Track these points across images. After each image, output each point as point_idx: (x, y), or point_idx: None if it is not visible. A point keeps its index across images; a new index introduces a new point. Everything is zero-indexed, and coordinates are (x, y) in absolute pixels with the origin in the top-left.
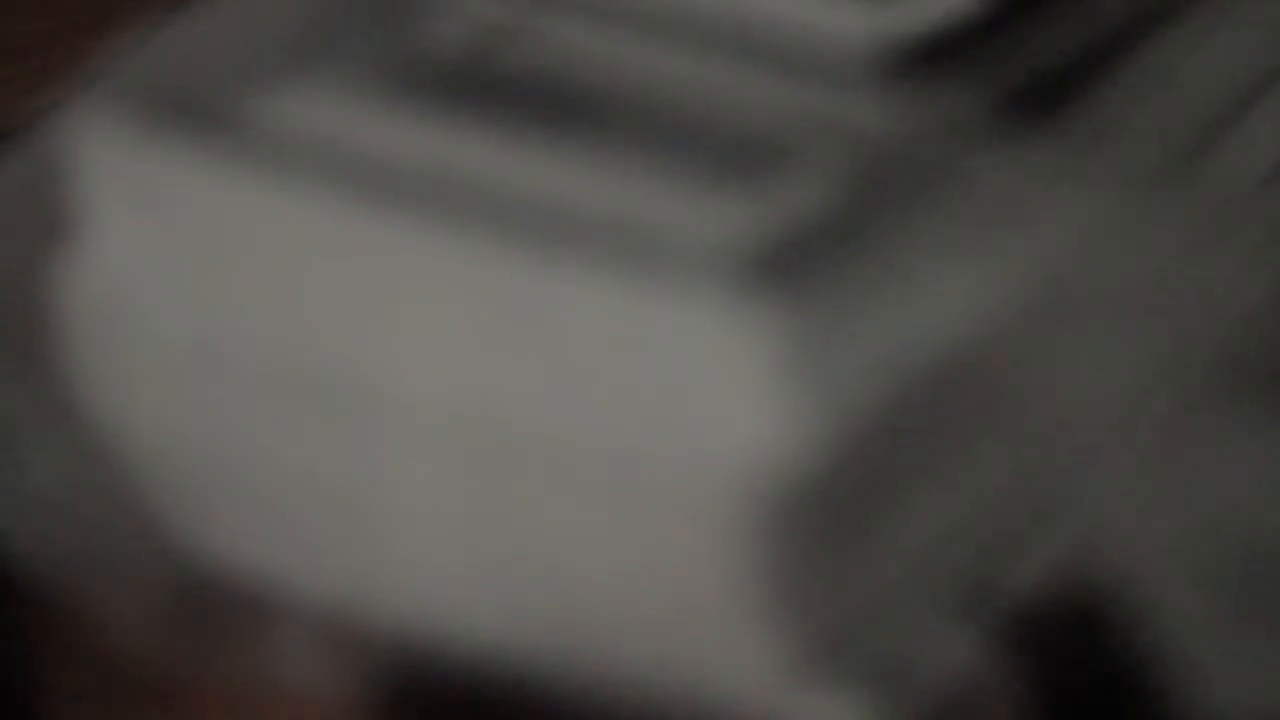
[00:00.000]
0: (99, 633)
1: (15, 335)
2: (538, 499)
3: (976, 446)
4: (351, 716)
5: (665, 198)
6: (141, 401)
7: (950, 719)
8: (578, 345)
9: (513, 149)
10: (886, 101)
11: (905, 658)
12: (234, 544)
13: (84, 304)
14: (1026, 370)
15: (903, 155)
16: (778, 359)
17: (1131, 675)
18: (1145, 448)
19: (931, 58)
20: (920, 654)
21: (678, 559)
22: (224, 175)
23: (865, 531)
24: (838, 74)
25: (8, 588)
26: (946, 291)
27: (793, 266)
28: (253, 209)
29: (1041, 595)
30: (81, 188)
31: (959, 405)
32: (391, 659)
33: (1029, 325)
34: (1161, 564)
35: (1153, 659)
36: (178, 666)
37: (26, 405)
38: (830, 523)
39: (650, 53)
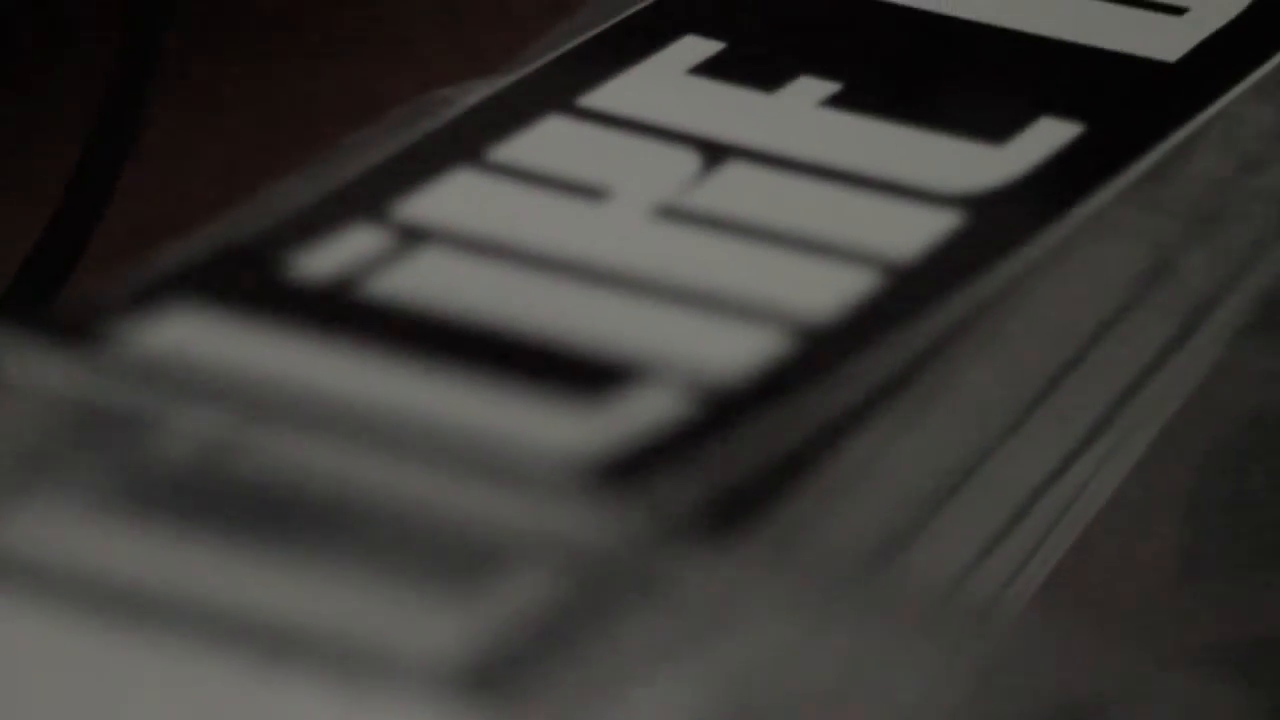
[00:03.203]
0: None
1: None
2: None
3: None
4: None
5: (380, 607)
6: None
7: None
8: None
9: (232, 562)
10: (597, 509)
11: None
12: None
13: None
14: None
15: (613, 562)
16: None
17: None
18: None
19: (640, 465)
20: None
21: None
22: None
23: None
24: (549, 482)
25: None
26: (655, 697)
27: (505, 675)
28: None
29: None
30: None
31: None
32: None
33: None
34: None
35: None
36: None
37: None
38: None
39: (367, 464)
